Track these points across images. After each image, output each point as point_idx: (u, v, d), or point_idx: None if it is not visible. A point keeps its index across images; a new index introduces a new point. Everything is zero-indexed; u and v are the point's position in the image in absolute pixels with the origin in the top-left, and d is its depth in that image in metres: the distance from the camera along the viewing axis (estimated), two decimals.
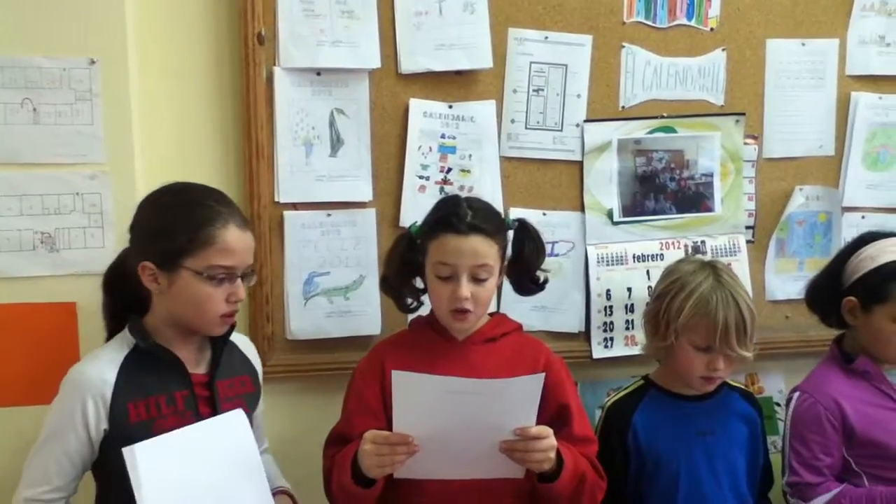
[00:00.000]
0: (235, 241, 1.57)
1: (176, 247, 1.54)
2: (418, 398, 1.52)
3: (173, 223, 1.55)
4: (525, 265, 1.85)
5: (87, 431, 1.55)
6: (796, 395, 1.94)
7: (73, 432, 1.54)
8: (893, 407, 1.89)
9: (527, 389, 1.53)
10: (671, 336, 1.78)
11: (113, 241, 1.93)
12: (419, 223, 1.82)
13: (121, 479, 1.46)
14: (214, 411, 1.60)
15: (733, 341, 1.74)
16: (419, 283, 1.85)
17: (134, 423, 1.54)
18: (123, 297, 1.65)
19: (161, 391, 1.57)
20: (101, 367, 1.57)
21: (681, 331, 1.77)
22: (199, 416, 1.59)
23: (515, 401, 1.54)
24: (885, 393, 1.90)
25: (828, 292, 1.97)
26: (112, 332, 1.68)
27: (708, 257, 1.95)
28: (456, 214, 1.72)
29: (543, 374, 1.54)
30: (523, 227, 1.86)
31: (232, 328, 1.67)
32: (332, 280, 2.10)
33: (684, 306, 1.75)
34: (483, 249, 1.71)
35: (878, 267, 1.88)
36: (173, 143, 2.03)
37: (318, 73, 2.06)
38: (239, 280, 1.59)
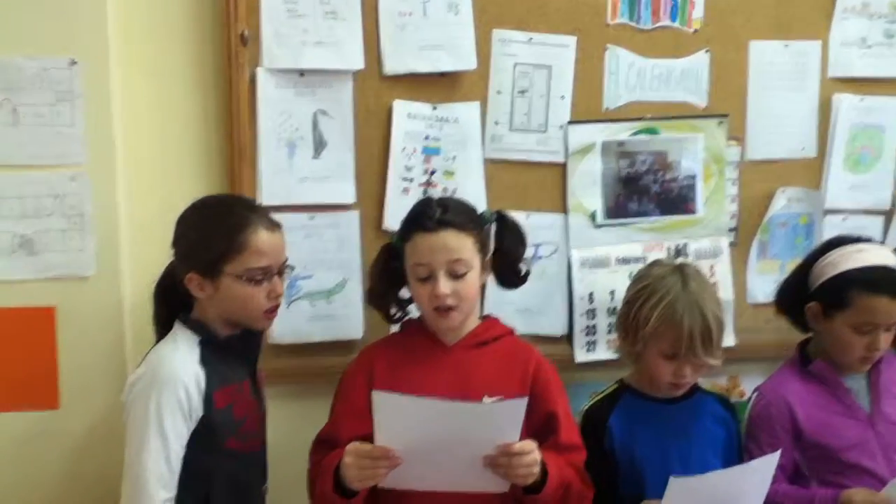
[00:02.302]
0: (266, 242, 1.70)
1: (215, 256, 1.67)
2: (400, 418, 1.52)
3: (209, 234, 1.69)
4: (506, 257, 1.85)
5: (190, 420, 1.64)
6: (755, 395, 1.98)
7: (184, 421, 1.63)
8: (845, 412, 1.91)
9: (510, 413, 1.53)
10: (640, 343, 1.80)
11: (93, 243, 1.92)
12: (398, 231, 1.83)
13: (195, 468, 1.63)
14: (260, 395, 1.80)
15: (699, 350, 1.75)
16: (406, 294, 1.85)
17: (220, 408, 1.67)
18: (172, 304, 1.76)
19: (235, 379, 1.73)
20: (188, 361, 1.67)
21: (648, 338, 1.78)
22: (259, 400, 1.78)
23: (499, 422, 1.54)
24: (839, 397, 1.92)
25: (794, 296, 1.99)
26: (162, 336, 1.77)
27: (679, 260, 1.95)
28: (425, 213, 1.73)
29: (526, 398, 1.54)
30: (502, 220, 1.86)
31: None
32: (314, 283, 2.09)
33: (651, 315, 1.77)
34: (455, 243, 1.71)
35: (839, 274, 1.89)
36: (155, 144, 2.01)
37: (302, 74, 2.05)
38: (276, 277, 1.73)
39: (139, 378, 1.67)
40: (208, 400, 1.65)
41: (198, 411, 1.65)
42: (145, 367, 1.68)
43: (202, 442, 1.65)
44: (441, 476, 1.60)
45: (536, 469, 1.58)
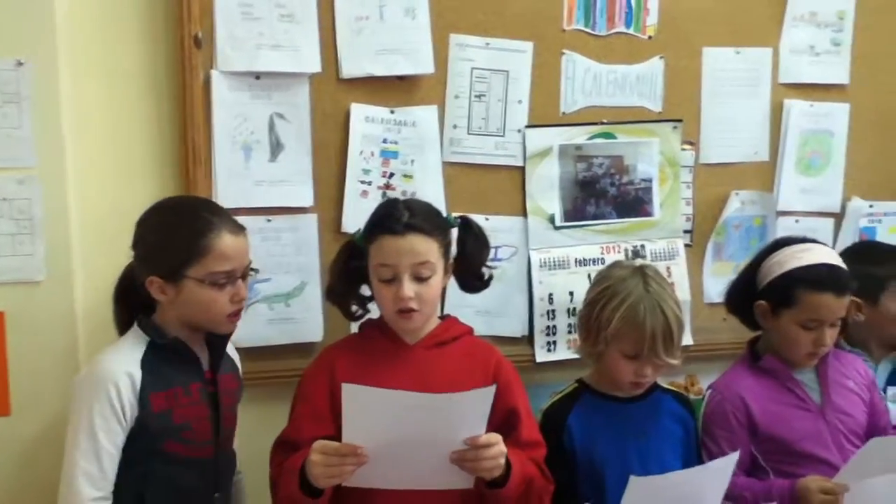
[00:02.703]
0: (229, 246, 1.67)
1: (177, 260, 1.65)
2: (369, 411, 1.51)
3: (171, 238, 1.66)
4: (469, 262, 1.86)
5: (124, 419, 1.62)
6: (708, 392, 2.00)
7: (117, 423, 1.61)
8: (797, 404, 1.95)
9: (477, 402, 1.53)
10: (601, 343, 1.81)
11: (43, 248, 1.88)
12: (361, 230, 1.81)
13: (130, 467, 1.62)
14: (216, 402, 1.73)
15: (660, 350, 1.77)
16: (366, 292, 1.84)
17: (156, 412, 1.64)
18: (132, 305, 1.74)
19: (179, 383, 1.68)
20: (124, 361, 1.65)
21: (610, 339, 1.80)
22: (212, 406, 1.72)
23: (466, 413, 1.54)
24: (790, 390, 1.96)
25: (743, 296, 2.03)
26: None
27: (640, 261, 1.98)
28: (392, 216, 1.73)
29: (494, 387, 1.54)
30: (466, 225, 1.87)
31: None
32: (272, 286, 2.08)
33: (613, 317, 1.78)
34: (422, 247, 1.71)
35: (785, 272, 1.93)
36: (106, 147, 1.98)
37: (257, 77, 2.03)
38: (240, 280, 1.70)
39: (79, 379, 1.66)
40: (143, 401, 1.63)
41: (132, 412, 1.62)
42: (86, 368, 1.68)
43: (138, 443, 1.63)
44: (407, 474, 1.58)
45: (502, 461, 1.59)
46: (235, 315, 1.72)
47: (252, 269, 1.76)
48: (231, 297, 1.69)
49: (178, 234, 1.66)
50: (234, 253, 1.68)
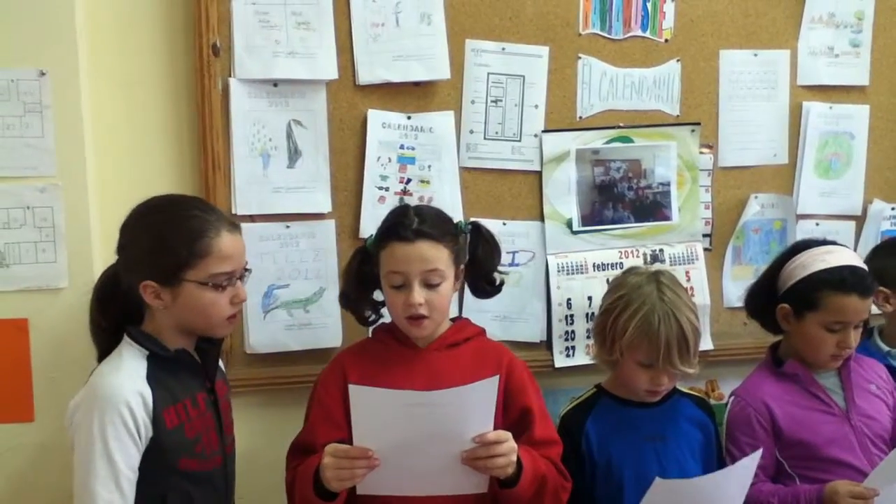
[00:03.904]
0: (230, 246, 1.61)
1: (176, 262, 1.57)
2: (377, 412, 1.51)
3: (168, 240, 1.58)
4: (480, 267, 1.86)
5: (140, 440, 1.54)
6: (731, 399, 1.99)
7: (133, 444, 1.53)
8: (821, 408, 1.93)
9: (483, 394, 1.53)
10: (616, 352, 1.81)
11: (65, 255, 1.90)
12: (373, 236, 1.82)
13: (146, 486, 1.54)
14: (217, 409, 1.68)
15: (675, 359, 1.76)
16: (379, 297, 1.85)
17: (169, 429, 1.57)
18: (115, 313, 1.65)
19: (186, 395, 1.62)
20: (131, 378, 1.56)
21: (625, 348, 1.79)
22: (216, 415, 1.67)
23: (473, 407, 1.54)
24: (814, 394, 1.94)
25: (764, 299, 2.02)
26: (104, 348, 1.66)
27: (656, 267, 1.97)
28: (402, 223, 1.74)
29: (498, 378, 1.55)
30: (476, 230, 1.87)
31: None
32: (291, 292, 2.09)
33: (628, 326, 1.77)
34: (431, 254, 1.72)
35: (809, 275, 1.92)
36: (127, 155, 2.00)
37: (275, 85, 2.05)
38: (238, 281, 1.64)
39: (81, 401, 1.57)
40: (157, 420, 1.55)
41: (147, 432, 1.55)
42: (86, 389, 1.58)
43: (152, 461, 1.55)
44: (420, 479, 1.59)
45: (514, 457, 1.59)
46: (234, 317, 1.66)
47: (246, 270, 1.68)
48: (231, 298, 1.63)
49: (175, 235, 1.57)
50: (234, 252, 1.62)
